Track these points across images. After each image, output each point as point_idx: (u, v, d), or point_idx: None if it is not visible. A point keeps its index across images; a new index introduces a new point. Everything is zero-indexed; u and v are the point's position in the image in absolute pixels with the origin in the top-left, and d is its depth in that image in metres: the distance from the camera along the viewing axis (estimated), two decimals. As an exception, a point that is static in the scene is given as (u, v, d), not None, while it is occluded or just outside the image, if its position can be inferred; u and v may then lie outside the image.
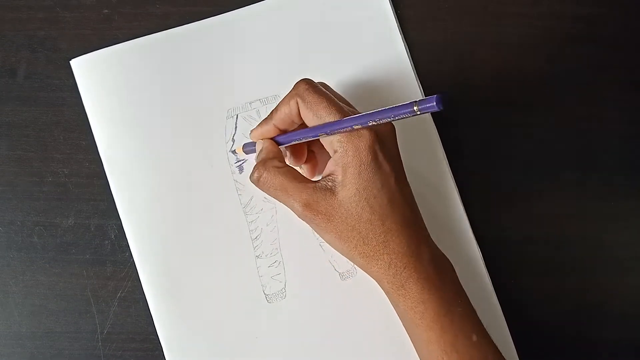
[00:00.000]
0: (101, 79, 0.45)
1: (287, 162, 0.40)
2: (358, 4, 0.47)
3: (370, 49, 0.46)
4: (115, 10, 0.47)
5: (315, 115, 0.37)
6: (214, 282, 0.44)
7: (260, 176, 0.38)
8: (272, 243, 0.44)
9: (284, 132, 0.40)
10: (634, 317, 0.45)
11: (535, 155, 0.46)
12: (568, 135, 0.47)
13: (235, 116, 0.45)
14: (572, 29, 0.48)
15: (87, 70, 0.45)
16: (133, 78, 0.45)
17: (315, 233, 0.39)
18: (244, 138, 0.45)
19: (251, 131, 0.41)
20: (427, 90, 0.46)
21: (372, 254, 0.37)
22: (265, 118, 0.40)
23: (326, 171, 0.37)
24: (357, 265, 0.38)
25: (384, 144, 0.36)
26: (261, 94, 0.46)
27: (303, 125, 0.39)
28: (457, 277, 0.39)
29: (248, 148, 0.43)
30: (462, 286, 0.39)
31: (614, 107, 0.47)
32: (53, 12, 0.47)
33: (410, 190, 0.38)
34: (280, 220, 0.44)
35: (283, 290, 0.44)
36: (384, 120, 0.33)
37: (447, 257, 0.39)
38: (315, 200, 0.37)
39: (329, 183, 0.37)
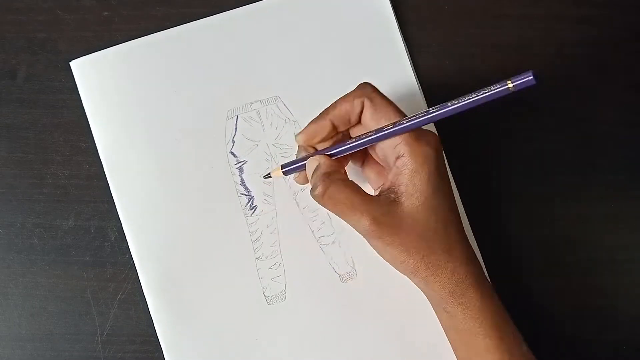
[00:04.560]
0: (101, 80, 0.45)
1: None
2: (358, 5, 0.47)
3: (370, 50, 0.46)
4: (115, 12, 0.47)
5: (384, 118, 0.36)
6: (214, 283, 0.44)
7: (326, 190, 0.36)
8: (272, 245, 0.44)
9: (334, 130, 0.38)
10: (634, 318, 0.45)
11: (536, 156, 0.46)
12: (568, 136, 0.47)
13: (236, 117, 0.45)
14: (572, 30, 0.48)
15: (87, 71, 0.45)
16: (133, 79, 0.45)
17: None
18: (244, 139, 0.45)
19: (298, 134, 0.39)
20: (428, 90, 0.46)
21: (437, 264, 0.36)
22: (319, 115, 0.38)
23: (386, 184, 0.36)
24: (418, 280, 0.36)
25: (442, 151, 0.36)
26: (261, 95, 0.46)
27: (351, 129, 0.38)
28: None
29: (290, 167, 0.39)
30: None
31: (614, 107, 0.47)
32: (53, 14, 0.47)
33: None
34: (281, 222, 0.44)
35: (283, 292, 0.44)
36: (473, 105, 0.31)
37: None
38: (382, 214, 0.35)
39: (392, 195, 0.35)
